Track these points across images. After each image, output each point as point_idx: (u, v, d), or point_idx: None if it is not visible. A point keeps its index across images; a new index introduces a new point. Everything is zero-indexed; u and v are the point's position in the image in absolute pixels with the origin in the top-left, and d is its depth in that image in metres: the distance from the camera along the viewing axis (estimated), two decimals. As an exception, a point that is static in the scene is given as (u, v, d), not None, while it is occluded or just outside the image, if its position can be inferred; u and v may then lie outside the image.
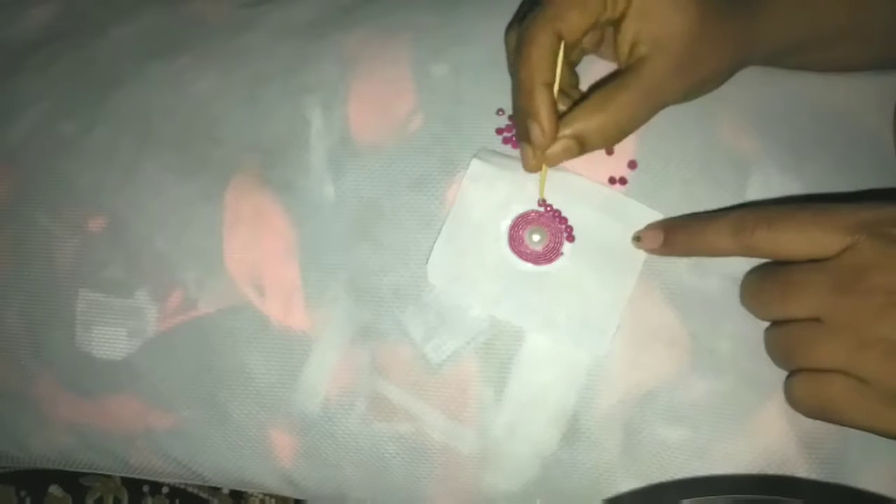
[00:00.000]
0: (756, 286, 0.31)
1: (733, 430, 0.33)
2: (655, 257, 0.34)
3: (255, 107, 0.39)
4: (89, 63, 0.42)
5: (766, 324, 0.32)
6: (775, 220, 0.29)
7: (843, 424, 0.28)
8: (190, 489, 0.59)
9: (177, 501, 0.59)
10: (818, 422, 0.30)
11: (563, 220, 0.34)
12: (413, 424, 0.35)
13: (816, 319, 0.28)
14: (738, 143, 0.35)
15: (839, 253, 0.27)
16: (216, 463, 0.38)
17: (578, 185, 0.35)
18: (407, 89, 0.38)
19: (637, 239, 0.34)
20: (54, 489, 0.59)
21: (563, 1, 0.31)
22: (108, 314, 0.38)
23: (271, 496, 0.59)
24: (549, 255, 0.34)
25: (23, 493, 0.59)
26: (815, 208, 0.29)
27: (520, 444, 0.34)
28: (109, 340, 0.37)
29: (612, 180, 0.35)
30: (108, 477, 0.58)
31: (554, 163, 0.33)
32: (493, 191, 0.35)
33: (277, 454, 0.37)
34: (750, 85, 0.36)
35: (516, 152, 0.35)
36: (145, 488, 0.59)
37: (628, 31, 0.32)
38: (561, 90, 0.33)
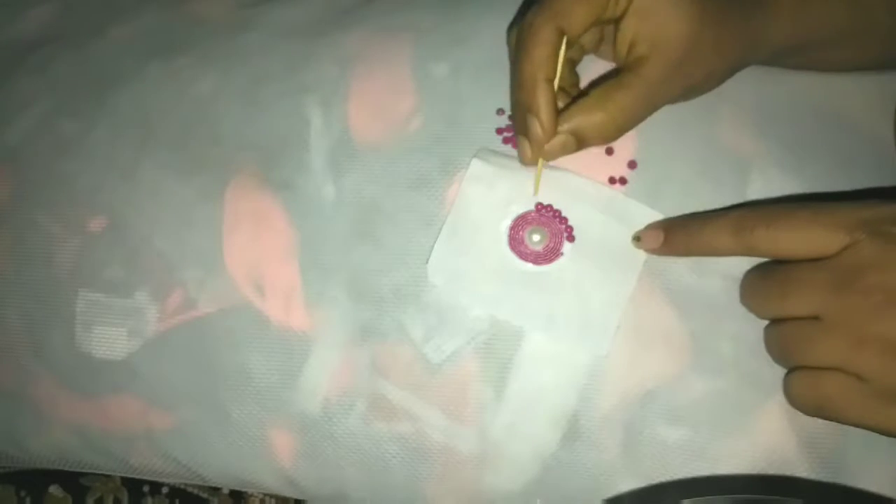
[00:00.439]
0: (755, 284, 0.31)
1: (733, 430, 0.33)
2: (656, 257, 0.34)
3: (255, 106, 0.39)
4: (89, 63, 0.42)
5: (767, 324, 0.32)
6: (775, 219, 0.29)
7: (840, 422, 0.28)
8: (190, 489, 0.59)
9: (177, 501, 0.59)
10: (818, 421, 0.30)
11: (564, 220, 0.34)
12: (413, 424, 0.35)
13: (815, 317, 0.28)
14: (739, 142, 0.35)
15: (838, 252, 0.27)
16: (216, 463, 0.38)
17: (578, 185, 0.35)
18: (407, 89, 0.38)
19: (637, 239, 0.34)
20: (54, 489, 0.59)
21: None
22: (108, 314, 0.38)
23: (271, 496, 0.59)
24: (549, 255, 0.34)
25: (23, 493, 0.59)
26: (814, 207, 0.29)
27: (520, 444, 0.34)
28: (109, 340, 0.37)
29: (612, 180, 0.35)
30: (108, 477, 0.58)
31: (551, 158, 0.33)
32: (494, 191, 0.35)
33: (277, 454, 0.37)
34: (750, 85, 0.36)
35: (516, 152, 0.35)
36: (145, 488, 0.59)
37: (628, 30, 0.32)
38: (561, 87, 0.33)
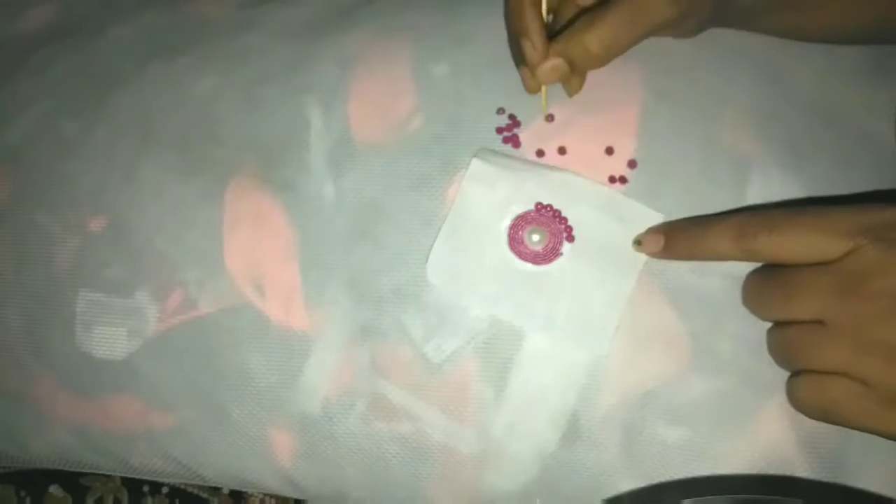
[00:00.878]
0: (758, 288, 0.31)
1: (733, 430, 0.33)
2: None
3: (255, 107, 0.39)
4: (89, 63, 0.42)
5: (767, 324, 0.32)
6: (777, 224, 0.29)
7: (844, 426, 0.29)
8: (190, 489, 0.59)
9: (177, 501, 0.59)
10: (818, 422, 0.30)
11: (563, 220, 0.34)
12: (413, 424, 0.35)
13: (819, 321, 0.28)
14: (738, 143, 0.35)
15: (841, 257, 0.27)
16: (216, 463, 0.38)
17: (578, 185, 0.35)
18: (407, 89, 0.38)
19: (638, 243, 0.34)
20: (54, 489, 0.59)
21: None
22: (108, 314, 0.38)
23: (271, 496, 0.59)
24: (548, 255, 0.34)
25: (23, 493, 0.59)
26: (816, 212, 0.29)
27: (520, 444, 0.34)
28: (109, 340, 0.37)
29: (612, 179, 0.35)
30: (108, 477, 0.58)
31: (548, 81, 0.34)
32: (493, 191, 0.35)
33: (277, 454, 0.37)
34: (750, 85, 0.36)
35: (516, 152, 0.35)
36: (145, 488, 0.59)
37: None
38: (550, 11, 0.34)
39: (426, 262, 0.35)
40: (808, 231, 0.28)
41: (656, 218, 0.34)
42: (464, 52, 0.38)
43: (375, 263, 0.36)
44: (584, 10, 0.35)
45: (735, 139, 0.36)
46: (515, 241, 0.34)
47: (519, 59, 0.35)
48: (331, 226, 0.36)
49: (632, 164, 0.35)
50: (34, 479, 0.59)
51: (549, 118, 0.36)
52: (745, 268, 0.33)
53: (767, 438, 0.33)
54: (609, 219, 0.34)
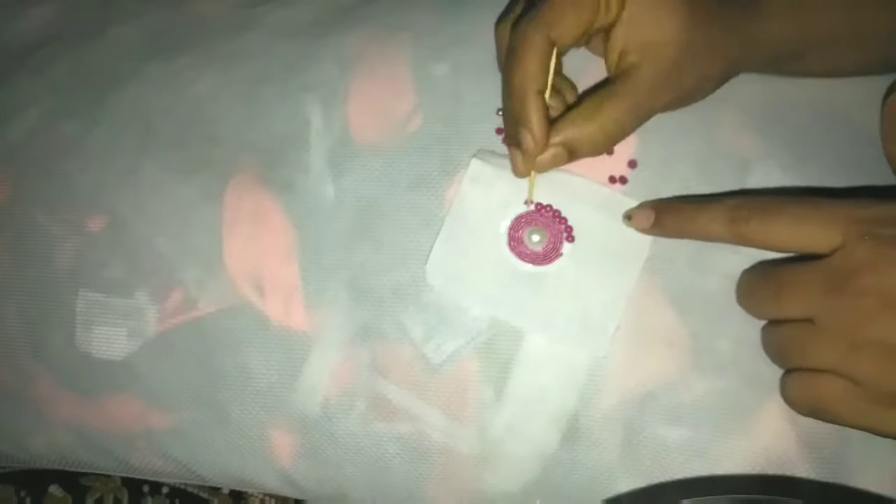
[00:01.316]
0: (750, 286, 0.31)
1: (733, 430, 0.33)
2: (656, 257, 0.34)
3: (255, 106, 0.39)
4: (89, 63, 0.42)
5: (764, 325, 0.32)
6: (770, 211, 0.29)
7: (835, 423, 0.29)
8: (190, 489, 0.59)
9: (177, 501, 0.59)
10: (818, 422, 0.30)
11: (563, 220, 0.34)
12: (413, 424, 0.35)
13: (810, 320, 0.28)
14: (739, 142, 0.35)
15: (831, 252, 0.27)
16: (216, 463, 0.38)
17: (578, 185, 0.35)
18: (407, 89, 0.38)
19: (628, 218, 0.34)
20: (54, 489, 0.59)
21: (558, 7, 0.30)
22: (108, 314, 0.38)
23: (271, 496, 0.59)
24: (548, 255, 0.34)
25: (23, 493, 0.59)
26: (810, 202, 0.29)
27: (520, 444, 0.34)
28: (109, 340, 0.37)
29: (612, 179, 0.35)
30: (108, 477, 0.58)
31: (543, 169, 0.33)
32: (493, 191, 0.35)
33: (277, 454, 0.37)
34: (750, 85, 0.36)
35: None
36: (145, 488, 0.59)
37: (618, 38, 0.32)
38: (555, 89, 0.33)
39: (426, 262, 0.35)
40: (800, 221, 0.28)
41: (656, 218, 0.34)
42: (464, 52, 0.38)
43: (375, 263, 0.36)
44: (585, 93, 0.34)
45: (735, 138, 0.36)
46: (515, 242, 0.34)
47: (512, 139, 0.33)
48: (331, 226, 0.36)
49: (632, 164, 0.35)
50: (34, 479, 0.59)
51: (533, 203, 0.34)
52: (745, 267, 0.33)
53: (767, 438, 0.33)
54: (609, 219, 0.34)
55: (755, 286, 0.31)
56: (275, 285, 0.36)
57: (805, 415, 0.30)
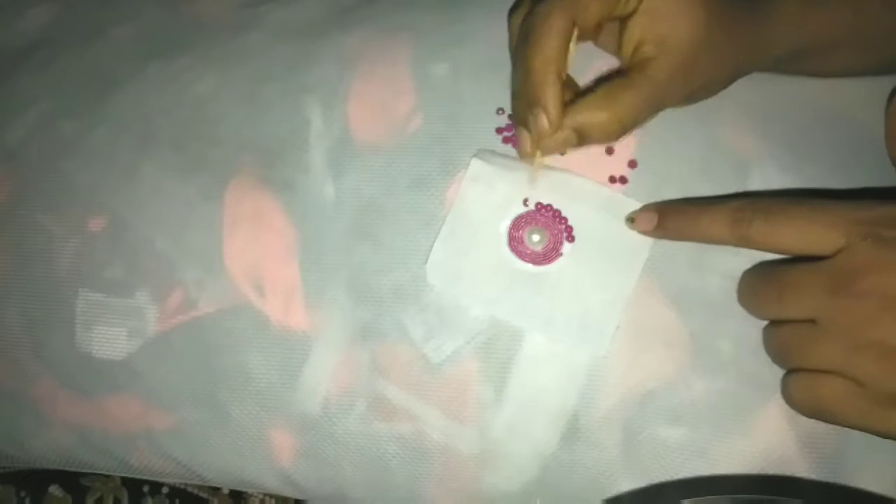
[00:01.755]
0: (752, 287, 0.31)
1: (733, 430, 0.33)
2: (656, 257, 0.34)
3: (255, 106, 0.39)
4: (89, 63, 0.42)
5: (765, 325, 0.32)
6: (772, 213, 0.29)
7: (837, 424, 0.29)
8: (190, 489, 0.59)
9: (177, 501, 0.59)
10: (818, 422, 0.30)
11: (563, 220, 0.34)
12: (413, 424, 0.35)
13: (812, 321, 0.28)
14: (739, 142, 0.35)
15: (834, 253, 0.27)
16: (216, 463, 0.38)
17: (578, 185, 0.35)
18: (407, 89, 0.38)
19: (631, 220, 0.34)
20: (54, 489, 0.59)
21: None
22: (108, 314, 0.38)
23: (271, 496, 0.59)
24: (548, 255, 0.34)
25: (23, 493, 0.59)
26: (812, 204, 0.29)
27: (520, 444, 0.34)
28: (109, 340, 0.37)
29: (612, 179, 0.35)
30: (108, 477, 0.58)
31: (551, 152, 0.33)
32: (493, 191, 0.35)
33: (277, 454, 0.37)
34: (750, 85, 0.36)
35: (516, 152, 0.35)
36: (145, 488, 0.59)
37: (636, 29, 0.32)
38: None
39: (426, 262, 0.35)
40: (804, 222, 0.28)
41: (656, 218, 0.34)
42: (464, 52, 0.38)
43: (375, 263, 0.36)
44: (598, 80, 0.34)
45: (735, 138, 0.36)
46: (515, 242, 0.34)
47: (522, 119, 0.32)
48: (331, 226, 0.36)
49: (632, 164, 0.35)
50: (34, 479, 0.59)
51: (534, 203, 0.34)
52: (745, 267, 0.33)
53: (767, 438, 0.33)
54: (609, 218, 0.34)
55: (757, 287, 0.31)
56: (275, 285, 0.36)
57: (806, 415, 0.30)
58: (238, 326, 0.36)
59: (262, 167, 0.38)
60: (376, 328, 0.35)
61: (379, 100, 0.38)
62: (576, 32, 0.31)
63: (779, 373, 0.31)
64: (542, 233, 0.34)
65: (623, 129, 0.32)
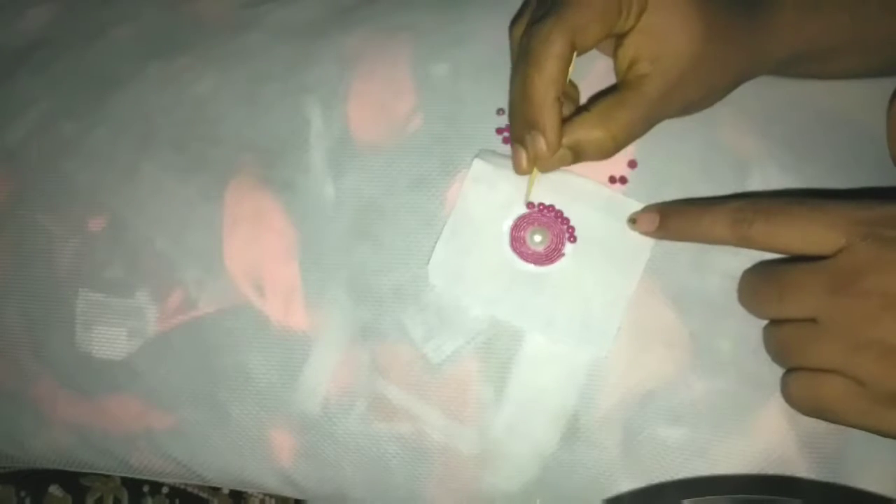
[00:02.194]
0: (752, 286, 0.31)
1: (733, 429, 0.33)
2: (657, 257, 0.34)
3: (255, 106, 0.39)
4: (89, 63, 0.42)
5: (765, 324, 0.32)
6: (773, 213, 0.29)
7: (837, 423, 0.29)
8: (190, 489, 0.59)
9: (177, 501, 0.59)
10: (818, 422, 0.30)
11: (565, 220, 0.34)
12: (413, 424, 0.35)
13: (812, 320, 0.28)
14: (739, 142, 0.35)
15: (834, 253, 0.28)
16: (216, 463, 0.38)
17: (579, 186, 0.35)
18: (407, 89, 0.38)
19: (632, 221, 0.34)
20: (54, 489, 0.59)
21: (582, 11, 0.30)
22: (108, 314, 0.38)
23: (271, 496, 0.59)
24: (550, 255, 0.34)
25: (23, 493, 0.59)
26: (813, 204, 0.29)
27: (520, 444, 0.34)
28: (109, 340, 0.37)
29: (612, 179, 0.35)
30: (108, 477, 0.58)
31: (546, 170, 0.33)
32: (495, 191, 0.35)
33: (277, 454, 0.37)
34: (750, 85, 0.36)
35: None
36: (145, 488, 0.59)
37: (631, 46, 0.32)
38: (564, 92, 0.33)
39: (427, 262, 0.35)
40: (804, 222, 0.28)
41: (656, 218, 0.34)
42: (464, 52, 0.38)
43: (375, 263, 0.36)
44: (593, 97, 0.34)
45: (735, 139, 0.36)
46: (517, 242, 0.34)
47: (519, 138, 0.32)
48: (331, 226, 0.36)
49: (632, 164, 0.35)
50: (34, 479, 0.59)
51: (531, 206, 0.34)
52: (745, 267, 0.33)
53: (767, 438, 0.33)
54: (610, 219, 0.34)
55: (757, 286, 0.31)
56: (275, 285, 0.36)
57: (806, 414, 0.30)
58: (238, 326, 0.36)
59: (262, 167, 0.38)
60: (376, 328, 0.35)
61: (379, 100, 0.38)
62: (574, 54, 0.31)
63: (779, 373, 0.31)
64: (544, 233, 0.34)
65: (618, 147, 0.32)
